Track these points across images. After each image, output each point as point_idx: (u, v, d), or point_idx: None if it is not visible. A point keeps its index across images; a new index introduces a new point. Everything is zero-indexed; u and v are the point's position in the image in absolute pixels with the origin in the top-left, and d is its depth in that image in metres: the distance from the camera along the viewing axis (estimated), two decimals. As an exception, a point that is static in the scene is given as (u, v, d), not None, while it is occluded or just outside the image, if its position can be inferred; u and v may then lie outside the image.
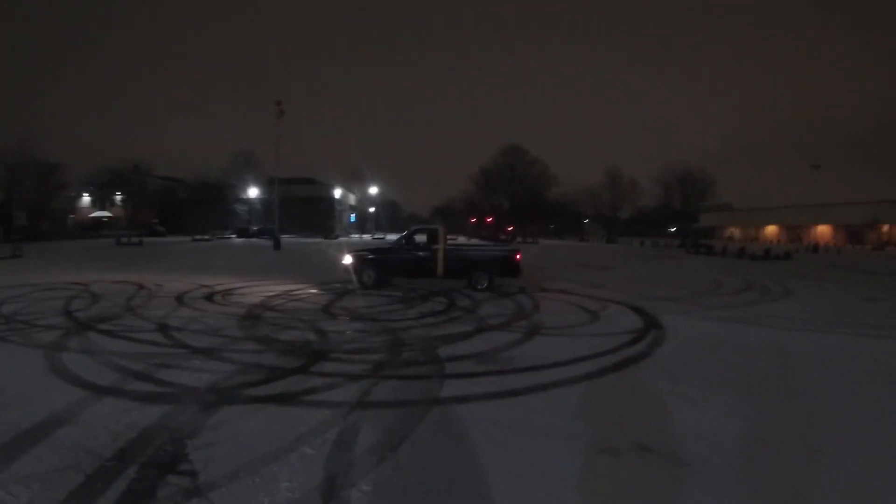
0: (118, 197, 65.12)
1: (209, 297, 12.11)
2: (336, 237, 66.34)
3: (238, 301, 11.73)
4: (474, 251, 15.33)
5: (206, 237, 56.01)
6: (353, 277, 14.92)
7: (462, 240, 65.72)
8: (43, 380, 5.80)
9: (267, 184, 52.30)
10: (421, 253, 15.00)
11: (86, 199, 74.83)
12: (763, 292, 14.91)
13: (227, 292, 13.11)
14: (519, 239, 66.34)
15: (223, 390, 5.50)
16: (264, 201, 63.59)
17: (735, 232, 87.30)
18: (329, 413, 4.91)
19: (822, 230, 72.47)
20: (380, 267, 14.89)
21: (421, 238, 15.35)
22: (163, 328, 8.65)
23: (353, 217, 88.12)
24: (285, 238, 55.98)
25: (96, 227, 65.22)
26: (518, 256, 14.64)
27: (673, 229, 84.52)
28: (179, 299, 11.77)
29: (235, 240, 57.11)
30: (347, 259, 15.34)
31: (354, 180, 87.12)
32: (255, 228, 63.83)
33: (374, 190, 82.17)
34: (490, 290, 13.96)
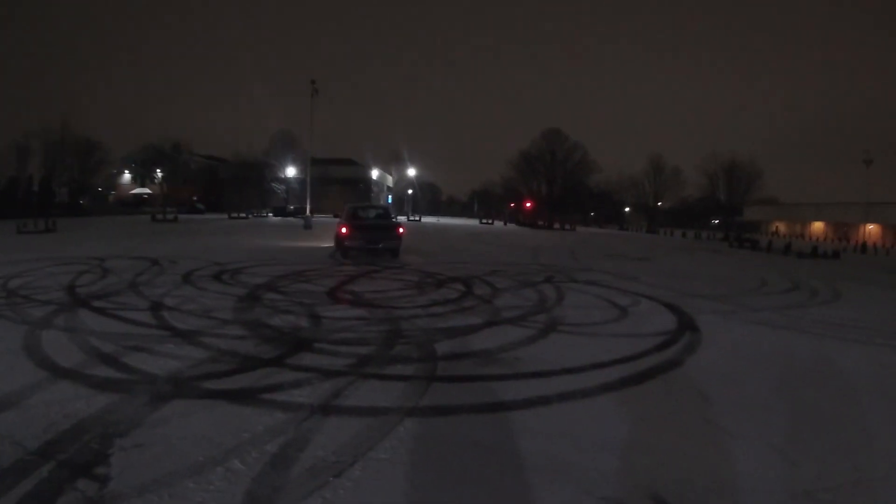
0: (158, 174, 65.79)
1: (217, 276, 11.72)
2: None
3: (244, 280, 11.26)
4: None
5: (243, 215, 56.33)
6: None
7: (501, 225, 65.22)
8: (11, 359, 5.54)
9: (308, 164, 52.41)
10: None
11: (127, 176, 76.04)
12: (811, 294, 13.62)
13: (235, 271, 12.64)
14: (556, 226, 64.99)
15: (183, 380, 5.01)
16: (302, 181, 63.55)
17: (780, 227, 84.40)
18: (283, 418, 4.21)
19: (871, 229, 69.04)
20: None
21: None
22: (156, 307, 8.35)
23: (389, 199, 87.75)
24: (321, 217, 56.05)
25: (136, 204, 66.36)
26: (343, 230, 16.21)
27: (716, 222, 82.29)
28: (186, 277, 11.47)
29: (272, 218, 57.62)
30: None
31: (393, 162, 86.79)
32: (291, 207, 64.04)
33: (412, 172, 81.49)
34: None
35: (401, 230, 17.19)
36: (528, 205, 75.17)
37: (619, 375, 5.65)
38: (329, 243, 21.90)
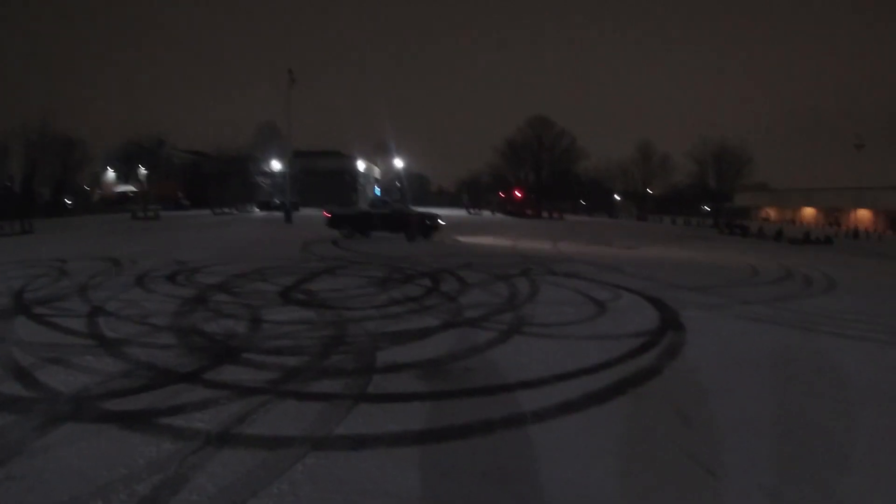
0: (142, 171, 64.86)
1: (172, 277, 11.07)
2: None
3: (199, 281, 10.66)
4: None
5: (227, 210, 55.57)
6: None
7: (486, 214, 64.66)
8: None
9: (289, 156, 51.84)
10: None
11: (111, 173, 75.10)
12: (805, 283, 13.07)
13: (193, 270, 12.01)
14: (544, 214, 64.51)
15: (84, 399, 4.54)
16: (286, 174, 62.91)
17: (771, 213, 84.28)
18: (170, 449, 3.65)
19: (863, 214, 68.72)
20: None
21: None
22: (94, 312, 7.83)
23: (377, 190, 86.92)
24: (306, 211, 55.43)
25: (121, 202, 65.40)
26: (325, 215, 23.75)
27: (707, 208, 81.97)
28: (140, 278, 10.84)
29: (257, 213, 56.95)
30: None
31: (380, 153, 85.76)
32: (276, 201, 63.14)
33: (399, 163, 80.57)
34: (477, 270, 12.52)
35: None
36: (518, 194, 74.56)
37: (584, 390, 4.98)
38: (305, 237, 21.80)
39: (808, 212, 79.97)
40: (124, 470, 3.36)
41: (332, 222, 23.00)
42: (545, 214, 64.34)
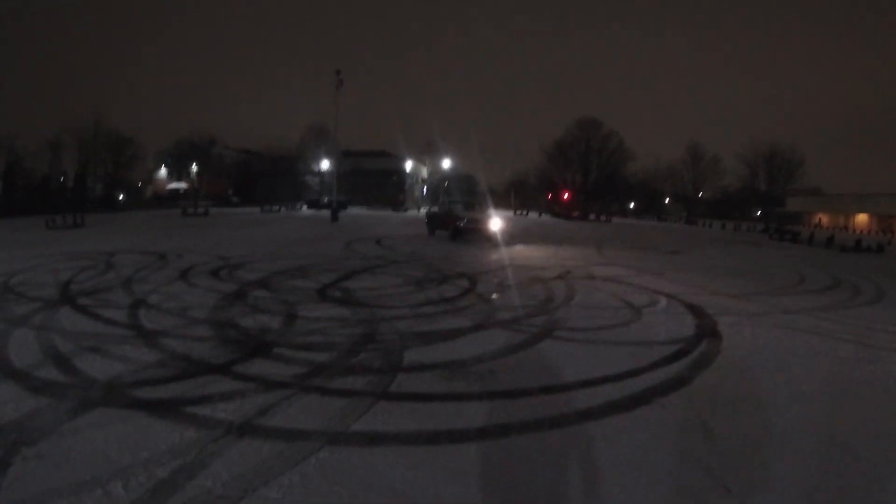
0: (194, 168, 66.61)
1: (215, 272, 11.38)
2: (405, 209, 65.59)
3: (240, 276, 10.93)
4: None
5: (276, 208, 56.48)
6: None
7: (534, 215, 64.24)
8: (-34, 359, 5.45)
9: (338, 156, 52.32)
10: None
11: (163, 171, 77.25)
12: (853, 292, 12.50)
13: (236, 266, 12.33)
14: (592, 216, 63.76)
15: (117, 387, 4.75)
16: (334, 173, 63.70)
17: (823, 219, 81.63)
18: (192, 437, 3.78)
19: (916, 222, 65.82)
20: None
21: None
22: (136, 304, 8.14)
23: (425, 190, 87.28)
24: (354, 210, 56.14)
25: (172, 198, 67.17)
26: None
27: (758, 213, 79.88)
28: (184, 273, 11.19)
29: (305, 211, 57.81)
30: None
31: (428, 153, 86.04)
32: (325, 200, 63.97)
33: (447, 163, 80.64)
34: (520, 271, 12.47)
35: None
36: (566, 195, 73.87)
37: (607, 398, 4.83)
38: (349, 235, 22.13)
39: (862, 218, 77.13)
40: (146, 454, 3.51)
41: (428, 219, 25.72)
42: (591, 216, 63.54)
